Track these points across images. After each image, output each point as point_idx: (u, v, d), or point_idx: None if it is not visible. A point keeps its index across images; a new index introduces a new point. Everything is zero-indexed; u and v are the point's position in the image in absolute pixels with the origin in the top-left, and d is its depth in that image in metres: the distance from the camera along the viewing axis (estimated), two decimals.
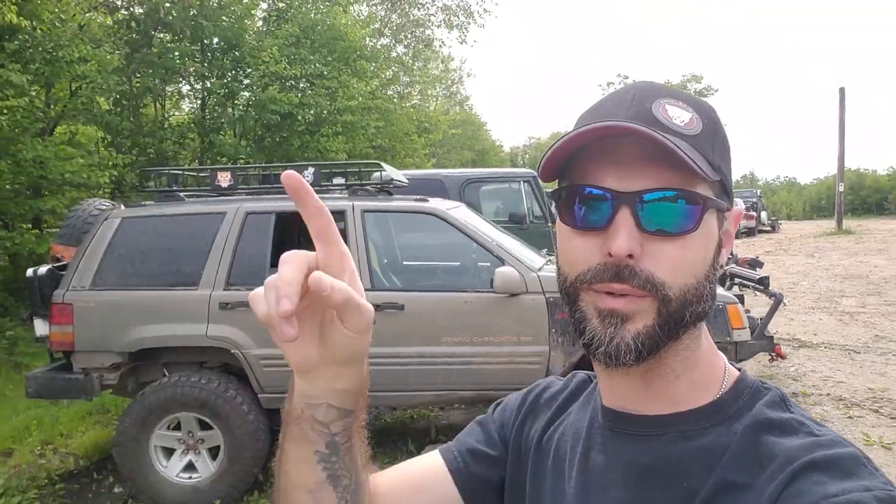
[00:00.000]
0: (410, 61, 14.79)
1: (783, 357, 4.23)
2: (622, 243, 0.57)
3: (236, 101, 8.05)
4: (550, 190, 0.67)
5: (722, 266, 0.64)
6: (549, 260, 4.07)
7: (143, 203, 4.27)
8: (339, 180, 4.44)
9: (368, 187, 4.11)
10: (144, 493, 3.69)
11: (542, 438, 0.75)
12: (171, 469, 3.74)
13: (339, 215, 3.94)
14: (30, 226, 7.51)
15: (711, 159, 0.60)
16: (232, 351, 3.69)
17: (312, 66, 8.44)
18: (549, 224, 6.24)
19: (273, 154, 8.29)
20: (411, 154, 12.87)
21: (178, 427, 3.76)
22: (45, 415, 5.11)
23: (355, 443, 0.65)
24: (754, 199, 29.18)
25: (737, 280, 4.61)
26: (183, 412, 3.70)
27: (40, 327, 4.01)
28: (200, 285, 3.74)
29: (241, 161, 8.08)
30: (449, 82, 17.02)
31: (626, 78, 44.56)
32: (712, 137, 0.61)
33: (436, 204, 3.95)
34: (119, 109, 8.09)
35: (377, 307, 3.55)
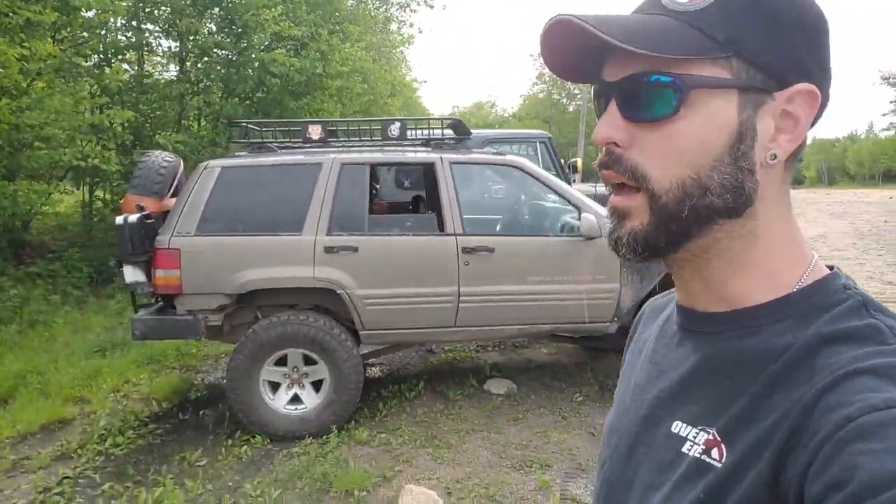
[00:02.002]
0: (382, 23, 14.81)
1: None
2: (599, 130, 0.58)
3: (240, 61, 7.98)
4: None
5: (775, 157, 0.56)
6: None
7: (237, 154, 4.42)
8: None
9: (448, 140, 4.44)
10: (255, 424, 3.97)
11: (639, 337, 0.77)
12: (279, 401, 4.03)
13: (429, 167, 4.29)
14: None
15: (718, 33, 0.54)
16: (337, 291, 3.99)
17: (308, 27, 8.48)
18: None
19: (268, 116, 8.32)
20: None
21: (283, 363, 4.04)
22: (102, 365, 5.20)
23: None
24: None
25: None
26: (292, 348, 3.98)
27: (130, 274, 4.13)
28: (304, 231, 4.00)
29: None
30: (395, 45, 17.07)
31: None
32: (728, 7, 0.55)
33: (515, 157, 4.36)
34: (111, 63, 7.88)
35: (470, 251, 4.00)
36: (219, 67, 7.98)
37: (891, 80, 64.38)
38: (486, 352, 5.87)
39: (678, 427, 0.60)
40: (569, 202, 4.22)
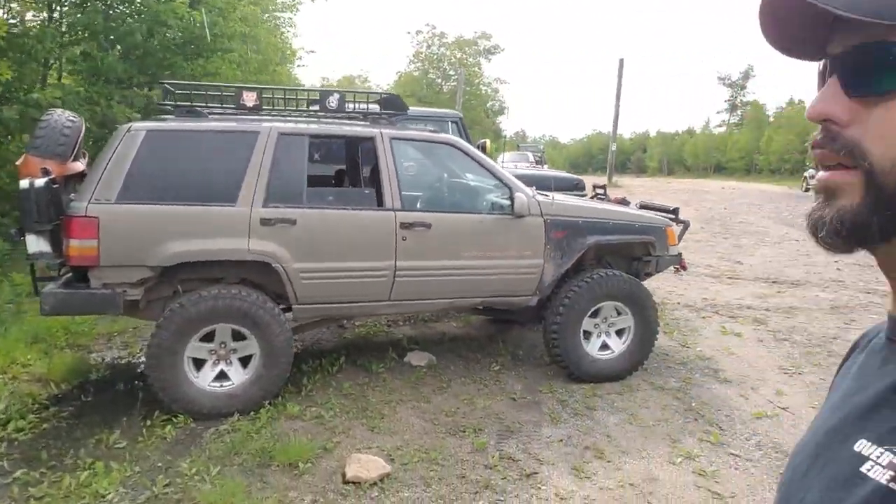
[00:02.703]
0: None
1: (686, 269, 5.55)
2: (813, 106, 0.55)
3: (123, 12, 7.26)
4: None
5: None
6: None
7: (163, 117, 4.12)
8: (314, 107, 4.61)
9: (385, 116, 4.45)
10: (178, 402, 3.81)
11: (855, 358, 0.72)
12: (203, 379, 3.90)
13: (369, 141, 4.29)
14: None
15: None
16: (273, 265, 3.91)
17: None
18: None
19: (155, 77, 7.70)
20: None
21: (209, 339, 3.90)
22: None
23: None
24: (539, 154, 32.62)
25: (645, 210, 5.80)
26: (221, 323, 3.85)
27: (34, 244, 3.76)
28: (238, 202, 3.86)
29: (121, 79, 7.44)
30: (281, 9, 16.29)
31: (435, 28, 45.94)
32: None
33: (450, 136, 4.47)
34: None
35: (408, 226, 4.11)
36: (97, 17, 7.23)
37: (726, 80, 71.79)
38: (399, 326, 5.98)
39: (861, 445, 0.55)
40: (501, 182, 4.42)
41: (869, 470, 0.53)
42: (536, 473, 3.39)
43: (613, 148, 34.93)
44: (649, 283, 5.05)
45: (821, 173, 0.57)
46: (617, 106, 33.86)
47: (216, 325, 3.85)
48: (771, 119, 63.51)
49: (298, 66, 17.17)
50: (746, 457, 3.62)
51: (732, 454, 3.65)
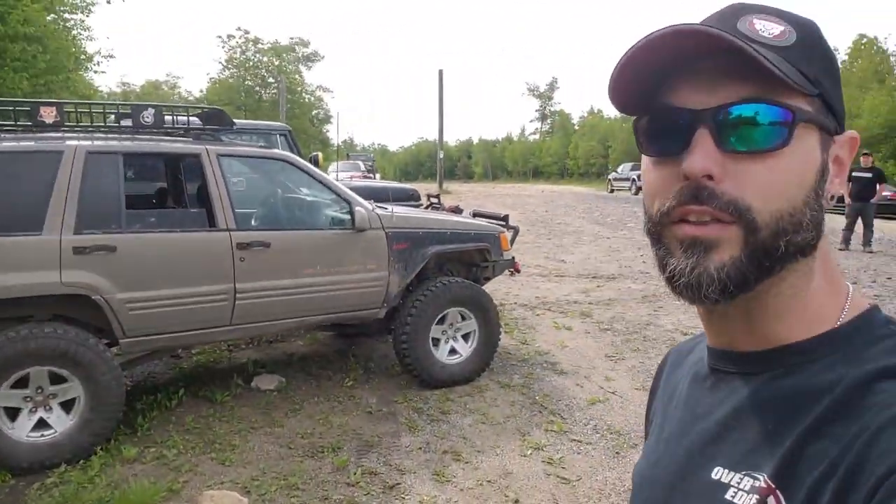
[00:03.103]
0: None
1: (519, 271, 5.88)
2: (695, 161, 0.53)
3: None
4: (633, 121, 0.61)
5: (833, 197, 0.58)
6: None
7: None
8: (126, 121, 4.30)
9: (210, 132, 4.21)
10: None
11: (667, 384, 0.75)
12: (20, 430, 3.42)
13: (193, 158, 4.02)
14: None
15: (806, 71, 0.54)
16: (93, 297, 3.53)
17: None
18: None
19: None
20: (69, 95, 11.01)
21: (21, 385, 3.43)
22: None
23: None
24: (370, 163, 32.92)
25: (478, 218, 6.08)
26: (36, 366, 3.40)
27: None
28: (45, 230, 3.43)
29: None
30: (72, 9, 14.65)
31: (248, 32, 43.56)
32: (809, 50, 0.55)
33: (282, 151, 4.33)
34: None
35: (245, 246, 3.98)
36: None
37: (535, 91, 77.65)
38: (241, 350, 5.68)
39: (719, 473, 0.57)
40: (339, 196, 4.38)
41: (734, 496, 0.55)
42: (399, 484, 3.41)
43: (441, 156, 36.07)
44: (488, 287, 5.31)
45: (690, 228, 0.56)
46: (441, 116, 35.02)
47: (29, 368, 3.39)
48: (576, 127, 69.87)
49: (95, 71, 15.60)
50: (587, 441, 3.94)
51: (575, 440, 3.95)
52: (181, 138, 4.15)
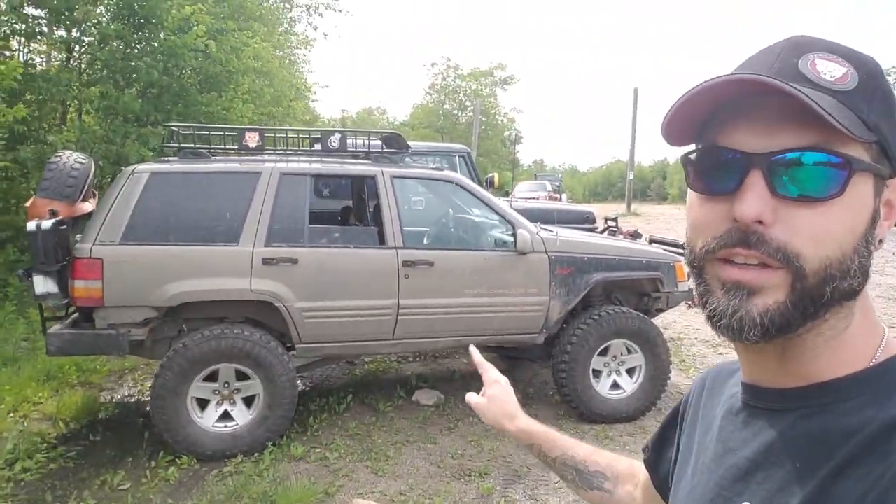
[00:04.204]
0: (288, 24, 14.42)
1: (697, 304, 5.43)
2: (749, 206, 0.54)
3: (139, 52, 7.45)
4: (682, 154, 0.62)
5: (881, 241, 0.58)
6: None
7: (166, 159, 4.18)
8: (316, 146, 4.67)
9: (388, 155, 4.47)
10: (181, 444, 3.78)
11: (706, 410, 0.74)
12: (207, 419, 3.87)
13: (370, 180, 4.30)
14: None
15: (866, 118, 0.54)
16: (275, 304, 3.90)
17: (216, 20, 8.09)
18: None
19: (171, 113, 7.86)
20: (291, 122, 12.65)
21: (212, 379, 3.89)
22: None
23: (549, 459, 1.03)
24: (557, 183, 32.57)
25: (655, 244, 5.74)
26: (224, 363, 3.84)
27: (41, 285, 3.80)
28: (241, 242, 3.88)
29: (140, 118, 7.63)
30: (297, 46, 16.71)
31: (450, 60, 46.59)
32: (870, 93, 0.56)
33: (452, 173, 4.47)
34: None
35: (410, 264, 4.08)
36: (117, 56, 7.42)
37: None
38: (409, 363, 5.92)
39: None
40: (503, 218, 4.39)
41: None
42: None
43: (631, 176, 34.66)
44: (664, 320, 4.94)
45: (733, 270, 0.56)
46: (633, 135, 33.76)
47: (219, 365, 3.83)
48: None
49: (313, 100, 17.48)
50: None
51: None
52: (362, 160, 4.45)
